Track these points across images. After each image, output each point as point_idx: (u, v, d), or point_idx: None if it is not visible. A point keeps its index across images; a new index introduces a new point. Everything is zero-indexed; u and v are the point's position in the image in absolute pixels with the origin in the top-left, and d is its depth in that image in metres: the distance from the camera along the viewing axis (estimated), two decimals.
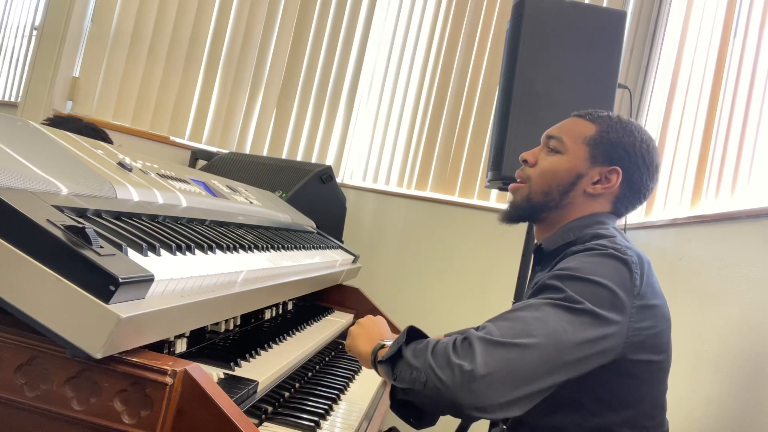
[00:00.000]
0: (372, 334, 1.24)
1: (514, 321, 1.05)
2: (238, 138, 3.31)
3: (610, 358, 1.10)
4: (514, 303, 2.30)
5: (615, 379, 1.14)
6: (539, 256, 1.37)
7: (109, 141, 2.22)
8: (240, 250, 1.23)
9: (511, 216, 1.35)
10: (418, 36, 3.31)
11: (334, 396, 1.34)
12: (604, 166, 1.28)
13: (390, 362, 1.10)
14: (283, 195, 2.42)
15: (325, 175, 2.62)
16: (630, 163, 1.27)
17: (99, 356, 0.70)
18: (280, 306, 1.74)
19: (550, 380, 1.03)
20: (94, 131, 2.22)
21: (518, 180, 1.35)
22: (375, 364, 1.17)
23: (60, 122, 2.22)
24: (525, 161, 1.34)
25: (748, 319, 1.49)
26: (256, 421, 1.07)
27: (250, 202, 1.72)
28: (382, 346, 1.18)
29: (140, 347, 0.78)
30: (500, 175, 2.06)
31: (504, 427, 1.35)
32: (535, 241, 1.39)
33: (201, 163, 2.96)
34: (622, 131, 1.28)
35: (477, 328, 1.08)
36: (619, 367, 1.13)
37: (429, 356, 1.03)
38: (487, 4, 3.22)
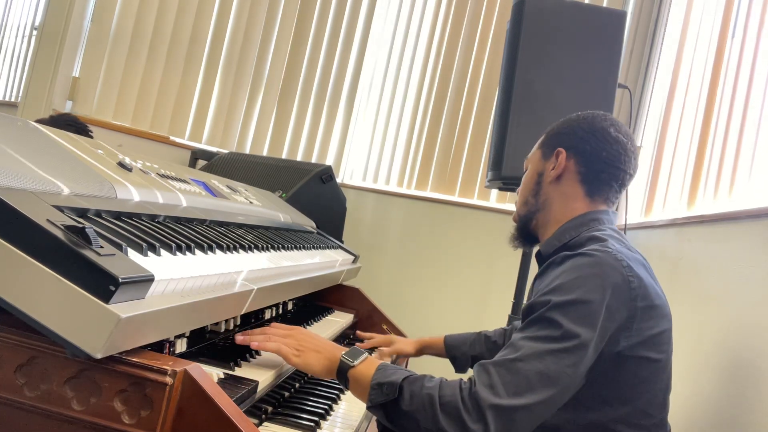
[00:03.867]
0: (318, 347, 1.19)
1: (518, 376, 1.05)
2: (238, 138, 3.31)
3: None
4: (514, 303, 2.30)
5: (612, 374, 1.16)
6: (540, 262, 1.38)
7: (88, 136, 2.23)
8: (240, 250, 1.23)
9: (516, 236, 1.47)
10: (418, 36, 3.31)
11: (334, 396, 1.34)
12: (553, 154, 1.38)
13: (382, 408, 1.08)
14: (283, 195, 2.42)
15: (325, 175, 2.62)
16: (571, 138, 1.35)
17: (99, 356, 0.70)
18: (280, 306, 1.74)
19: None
20: (75, 126, 2.24)
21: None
22: (344, 380, 1.14)
23: (47, 122, 2.22)
24: None
25: (747, 319, 1.49)
26: (256, 421, 1.07)
27: (250, 202, 1.72)
28: (352, 366, 1.13)
29: (140, 347, 0.78)
30: (500, 175, 2.06)
31: None
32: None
33: (201, 163, 2.97)
34: (560, 123, 1.40)
35: (483, 368, 1.07)
36: (618, 363, 1.15)
37: (440, 415, 1.03)
38: (487, 4, 3.22)
